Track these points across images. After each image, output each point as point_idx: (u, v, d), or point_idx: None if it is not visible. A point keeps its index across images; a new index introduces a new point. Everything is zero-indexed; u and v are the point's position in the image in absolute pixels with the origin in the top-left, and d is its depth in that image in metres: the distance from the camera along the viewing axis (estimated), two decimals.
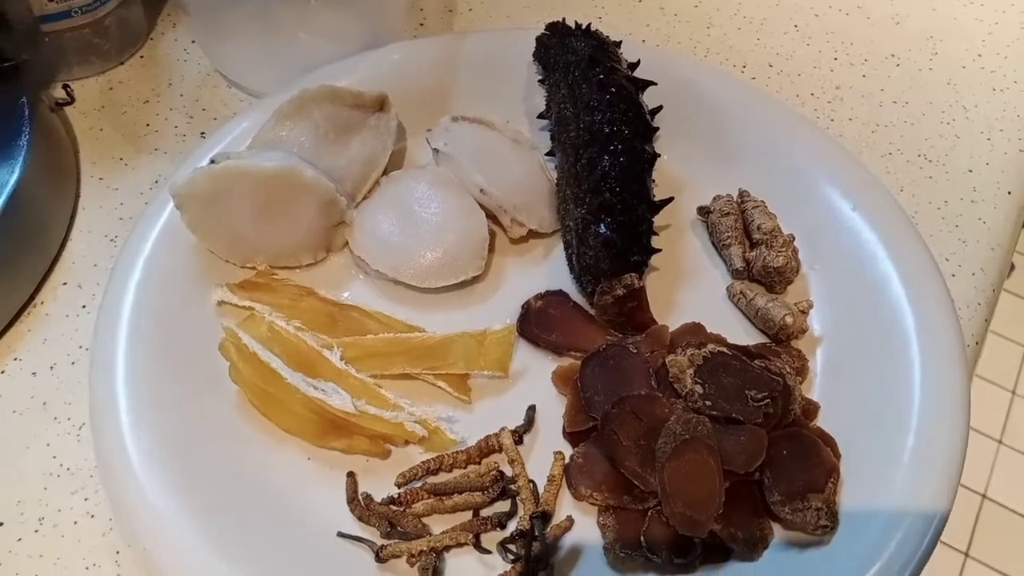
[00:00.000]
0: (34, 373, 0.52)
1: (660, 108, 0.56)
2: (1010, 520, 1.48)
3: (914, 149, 0.65)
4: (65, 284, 0.56)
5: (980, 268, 0.60)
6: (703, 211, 0.58)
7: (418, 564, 0.44)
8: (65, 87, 0.64)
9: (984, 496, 1.51)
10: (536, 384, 0.51)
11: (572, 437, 0.49)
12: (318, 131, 0.54)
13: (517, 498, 0.47)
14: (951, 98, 0.69)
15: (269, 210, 0.51)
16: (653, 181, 0.54)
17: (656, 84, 0.56)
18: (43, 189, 0.57)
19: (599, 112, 0.53)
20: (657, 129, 0.55)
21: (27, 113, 0.56)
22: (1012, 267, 1.78)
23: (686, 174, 0.60)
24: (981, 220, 0.62)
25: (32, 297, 0.55)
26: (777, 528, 0.46)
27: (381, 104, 0.56)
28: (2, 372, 0.52)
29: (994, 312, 0.61)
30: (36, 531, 0.47)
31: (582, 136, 0.53)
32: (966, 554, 1.44)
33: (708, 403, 0.47)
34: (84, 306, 0.55)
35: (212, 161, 0.50)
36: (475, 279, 0.55)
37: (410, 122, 0.60)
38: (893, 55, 0.72)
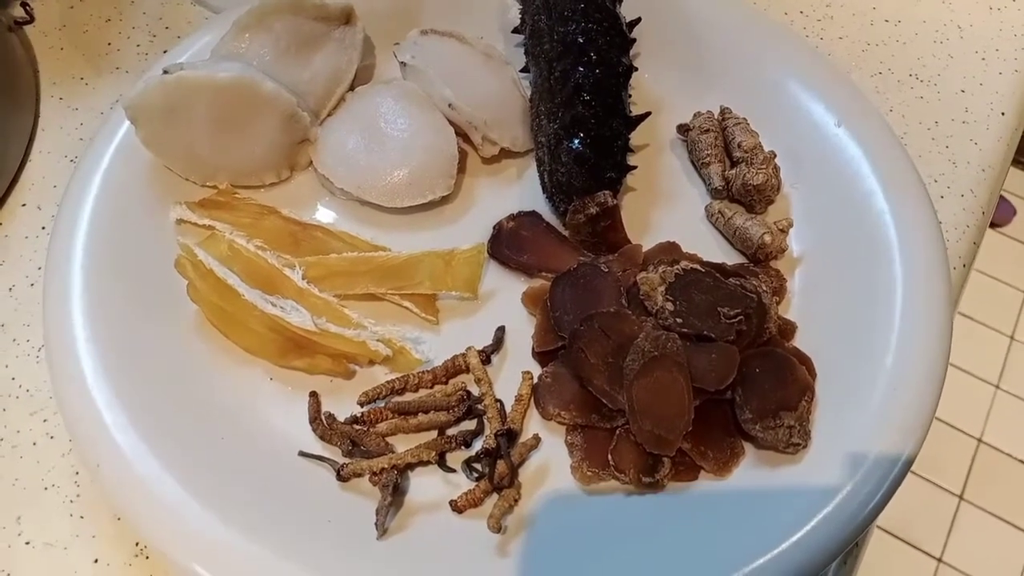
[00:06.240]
0: None
1: (638, 20, 0.54)
2: (1005, 464, 1.48)
3: (905, 69, 0.63)
4: (24, 206, 0.55)
5: (970, 190, 0.58)
6: (683, 129, 0.56)
7: (379, 482, 0.43)
8: (24, 5, 0.61)
9: (980, 440, 1.51)
10: (506, 306, 0.50)
11: (541, 357, 0.48)
12: (279, 44, 0.52)
13: (483, 417, 0.46)
14: (945, 17, 0.66)
15: (227, 125, 0.49)
16: (629, 96, 0.52)
17: None
18: None
19: (573, 22, 0.51)
20: (634, 41, 0.53)
21: None
22: (1014, 211, 1.75)
23: (665, 91, 0.58)
24: (973, 141, 0.60)
25: None
26: (749, 449, 0.45)
27: (347, 17, 0.54)
28: None
29: (983, 239, 0.59)
30: None
31: (556, 48, 0.51)
32: (960, 497, 1.44)
33: (679, 320, 0.45)
34: (43, 228, 0.53)
35: (166, 72, 0.48)
36: (444, 200, 0.53)
37: (378, 37, 0.57)
38: None
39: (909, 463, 0.43)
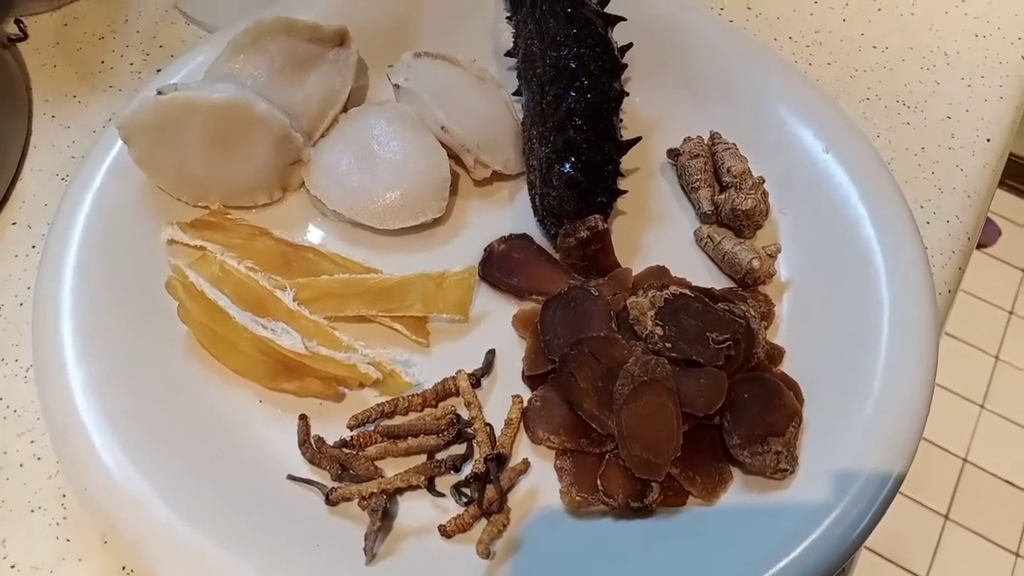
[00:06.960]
0: None
1: (630, 45, 0.55)
2: (990, 484, 1.49)
3: (892, 95, 0.64)
4: (15, 224, 0.54)
5: (955, 216, 0.58)
6: (673, 153, 0.56)
7: (368, 507, 0.43)
8: (18, 22, 0.62)
9: (965, 460, 1.51)
10: (496, 328, 0.50)
11: (531, 381, 0.48)
12: (273, 65, 0.52)
13: (473, 441, 0.46)
14: (932, 43, 0.67)
15: (220, 145, 0.49)
16: (621, 120, 0.53)
17: (626, 20, 0.54)
18: None
19: (565, 47, 0.51)
20: (626, 66, 0.53)
21: None
22: (999, 232, 1.77)
23: (656, 115, 0.58)
24: (959, 167, 0.60)
25: None
26: (737, 474, 0.45)
27: (341, 39, 0.54)
28: None
29: (968, 262, 0.60)
30: None
31: (548, 72, 0.52)
32: (946, 517, 1.45)
33: (668, 345, 0.45)
34: (34, 246, 0.53)
35: (160, 92, 0.48)
36: (436, 222, 0.53)
37: (372, 59, 0.58)
38: None
39: (897, 485, 0.44)
